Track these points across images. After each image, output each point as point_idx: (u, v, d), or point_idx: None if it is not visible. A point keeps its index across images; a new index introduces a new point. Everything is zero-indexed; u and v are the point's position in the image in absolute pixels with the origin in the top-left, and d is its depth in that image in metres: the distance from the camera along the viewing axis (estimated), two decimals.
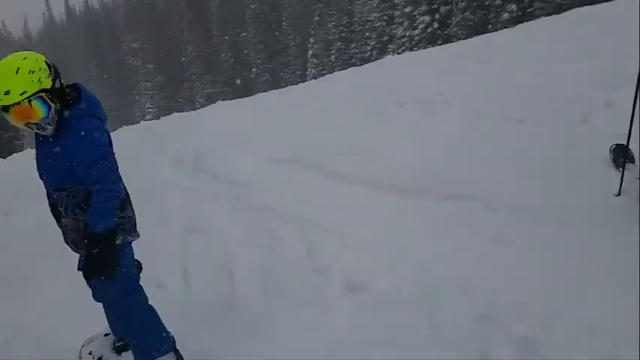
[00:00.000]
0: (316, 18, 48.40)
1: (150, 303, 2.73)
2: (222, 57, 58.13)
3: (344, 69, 39.74)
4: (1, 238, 5.20)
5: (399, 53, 34.10)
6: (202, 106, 51.21)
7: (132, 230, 2.62)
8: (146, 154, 8.32)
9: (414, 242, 3.50)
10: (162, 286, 3.72)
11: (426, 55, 13.09)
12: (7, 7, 69.42)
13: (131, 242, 2.65)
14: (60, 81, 2.27)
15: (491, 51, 9.40)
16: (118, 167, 2.48)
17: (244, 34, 56.54)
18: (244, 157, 6.63)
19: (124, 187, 2.55)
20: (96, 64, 68.08)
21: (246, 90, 51.53)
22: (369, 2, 42.94)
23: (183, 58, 57.87)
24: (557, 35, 9.08)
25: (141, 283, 2.84)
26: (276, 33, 54.15)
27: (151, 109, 58.38)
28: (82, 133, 2.27)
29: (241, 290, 3.39)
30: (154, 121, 14.50)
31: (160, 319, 2.70)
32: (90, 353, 2.91)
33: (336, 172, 4.92)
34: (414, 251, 3.40)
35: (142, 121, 17.01)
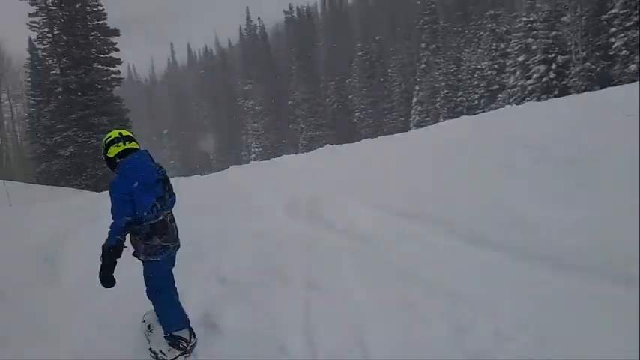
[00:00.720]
0: (423, 65, 48.29)
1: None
2: (327, 101, 59.64)
3: (450, 116, 38.88)
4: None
5: (510, 103, 32.72)
6: (305, 147, 52.56)
7: (157, 253, 3.59)
8: (259, 196, 8.26)
9: (594, 336, 2.82)
10: (283, 350, 3.38)
11: (551, 105, 12.14)
12: (137, 52, 77.84)
13: (156, 260, 3.61)
14: (108, 153, 3.58)
15: (635, 103, 8.38)
16: (131, 205, 3.41)
17: (349, 79, 57.75)
18: (362, 206, 6.27)
19: (155, 217, 3.52)
20: (210, 104, 72.85)
21: (349, 134, 52.17)
22: (479, 50, 42.07)
23: (290, 102, 60.11)
24: None
25: (260, 341, 3.56)
26: (382, 79, 54.67)
27: (256, 149, 60.85)
28: (111, 183, 3.47)
29: None
30: (265, 162, 14.78)
31: (180, 307, 3.74)
32: (144, 321, 4.02)
33: (474, 234, 4.38)
34: (597, 348, 2.74)
35: (251, 162, 17.51)
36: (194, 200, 8.37)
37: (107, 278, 3.32)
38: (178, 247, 3.79)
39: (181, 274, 4.75)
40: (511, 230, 4.27)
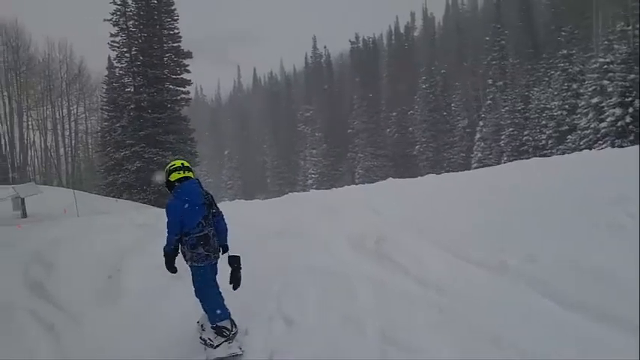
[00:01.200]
0: (488, 102, 47.22)
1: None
2: (387, 132, 59.30)
3: (514, 155, 37.27)
4: None
5: (581, 145, 31.19)
6: (362, 177, 51.86)
7: (200, 260, 4.46)
8: (322, 228, 7.97)
9: None
10: None
11: (634, 153, 11.30)
12: (205, 74, 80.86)
13: (200, 266, 4.48)
14: (170, 177, 4.57)
15: None
16: (181, 224, 4.41)
17: (411, 111, 57.27)
18: (433, 249, 5.89)
19: (200, 232, 4.44)
20: (271, 127, 74.29)
21: (407, 166, 51.51)
22: (549, 90, 40.65)
23: (350, 130, 60.25)
24: None
25: None
26: (444, 113, 53.88)
27: (312, 175, 61.17)
28: (168, 203, 4.50)
29: None
30: (325, 191, 14.57)
31: (222, 301, 4.54)
32: (198, 322, 4.76)
33: (567, 297, 3.93)
34: None
35: (310, 189, 17.39)
36: (255, 225, 8.25)
37: (170, 268, 4.51)
38: (218, 257, 4.60)
39: (245, 309, 4.62)
40: (608, 295, 3.79)
